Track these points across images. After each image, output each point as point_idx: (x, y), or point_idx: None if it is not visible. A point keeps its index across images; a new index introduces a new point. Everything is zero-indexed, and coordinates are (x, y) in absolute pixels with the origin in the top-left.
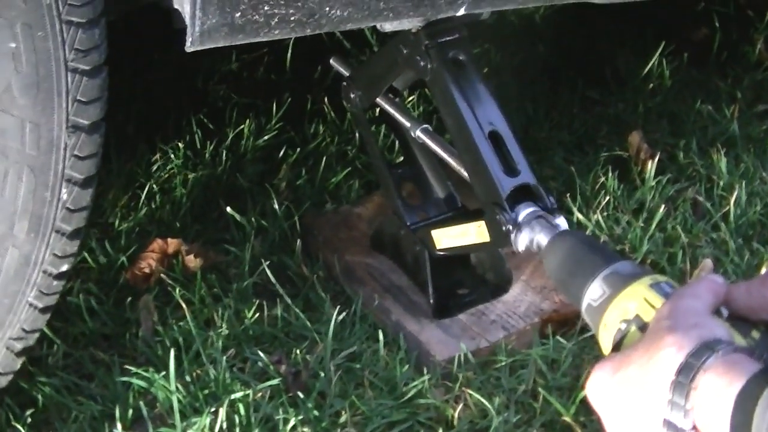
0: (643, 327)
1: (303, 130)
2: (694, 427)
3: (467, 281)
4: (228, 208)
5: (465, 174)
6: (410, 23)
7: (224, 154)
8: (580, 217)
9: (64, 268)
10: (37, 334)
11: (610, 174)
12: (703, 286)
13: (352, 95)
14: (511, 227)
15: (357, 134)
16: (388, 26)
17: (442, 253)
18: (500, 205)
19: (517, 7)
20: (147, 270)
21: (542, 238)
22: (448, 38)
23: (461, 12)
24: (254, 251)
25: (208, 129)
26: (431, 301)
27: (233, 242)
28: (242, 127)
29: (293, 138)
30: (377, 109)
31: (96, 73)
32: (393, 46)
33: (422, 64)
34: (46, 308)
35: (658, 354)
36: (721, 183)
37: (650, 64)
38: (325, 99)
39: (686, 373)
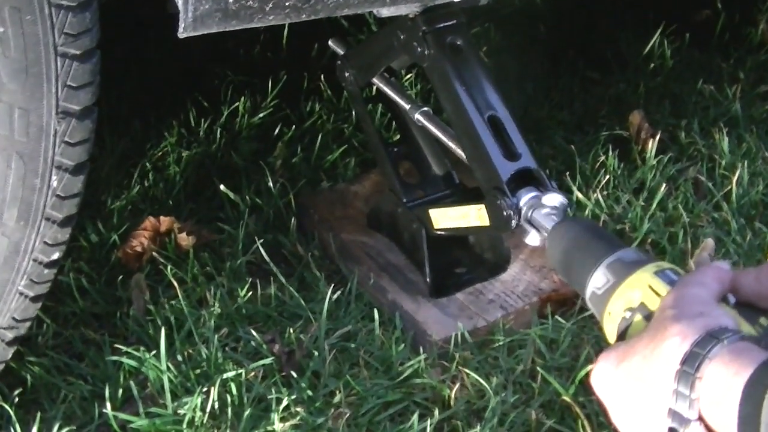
0: (648, 316)
1: (299, 108)
2: (700, 418)
3: (465, 260)
4: (222, 186)
5: (465, 159)
6: (407, 9)
7: (219, 132)
8: (580, 196)
9: (55, 256)
10: (28, 323)
11: (610, 153)
12: (708, 273)
13: (346, 74)
14: (512, 212)
15: (353, 112)
16: (385, 11)
17: (439, 232)
18: (501, 189)
19: None
20: (139, 249)
21: (545, 226)
22: (445, 24)
23: None
24: (248, 229)
25: (202, 107)
26: (428, 279)
27: (227, 220)
28: (237, 104)
29: (289, 116)
30: (374, 89)
31: (87, 57)
32: (390, 30)
33: (419, 50)
34: (37, 297)
35: (663, 344)
36: (723, 163)
37: (651, 45)
38: (322, 77)
39: (691, 362)
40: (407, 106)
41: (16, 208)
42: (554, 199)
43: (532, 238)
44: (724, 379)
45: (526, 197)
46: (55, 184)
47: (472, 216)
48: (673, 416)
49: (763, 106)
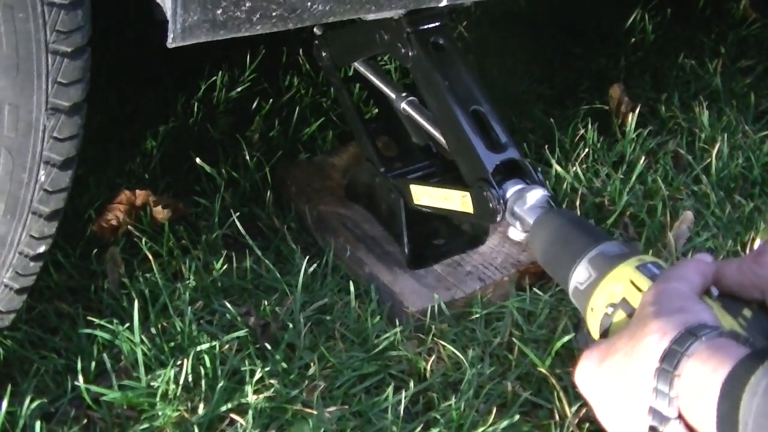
0: (629, 311)
1: (277, 82)
2: (680, 415)
3: (443, 231)
4: (198, 160)
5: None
6: (392, 12)
7: (196, 106)
8: (559, 169)
9: (41, 249)
10: (13, 315)
11: (590, 127)
12: (690, 267)
13: (323, 53)
14: (498, 204)
15: (331, 87)
16: (370, 15)
17: (418, 207)
18: (487, 180)
19: None
20: (114, 222)
21: (529, 219)
22: (429, 26)
23: (443, 3)
24: (225, 203)
25: (179, 80)
26: (406, 250)
27: (203, 194)
28: (215, 78)
29: (267, 90)
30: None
31: (78, 54)
32: (373, 27)
33: (403, 51)
34: (22, 289)
35: (642, 341)
36: (703, 136)
37: (632, 19)
38: (300, 51)
39: (670, 360)
40: (393, 95)
41: (3, 202)
42: (539, 192)
43: (515, 233)
44: (702, 376)
45: (512, 189)
46: (42, 178)
47: (455, 201)
48: (653, 414)
49: (743, 81)
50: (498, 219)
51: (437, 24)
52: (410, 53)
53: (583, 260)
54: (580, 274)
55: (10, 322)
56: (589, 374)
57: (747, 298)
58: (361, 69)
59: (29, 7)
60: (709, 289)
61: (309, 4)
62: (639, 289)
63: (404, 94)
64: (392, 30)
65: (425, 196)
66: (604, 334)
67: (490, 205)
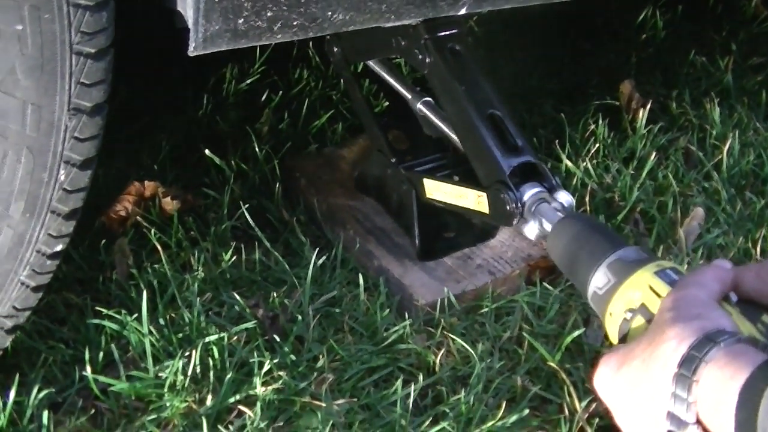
0: (648, 317)
1: (287, 74)
2: (698, 421)
3: (453, 224)
4: (207, 151)
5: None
6: (410, 20)
7: (205, 98)
8: (569, 164)
9: (59, 248)
10: (28, 312)
11: (600, 122)
12: (708, 274)
13: (335, 49)
14: (515, 206)
15: (341, 80)
16: (388, 24)
17: (430, 201)
18: (505, 183)
19: (519, 6)
20: (123, 213)
21: (547, 222)
22: (446, 32)
23: (462, 12)
24: (234, 195)
25: (189, 72)
26: (416, 242)
27: (212, 186)
28: (224, 71)
29: (276, 82)
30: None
31: (101, 56)
32: (390, 32)
33: (420, 57)
34: (39, 287)
35: (661, 347)
36: (714, 133)
37: (643, 15)
38: (310, 44)
39: (688, 365)
40: (408, 96)
41: (23, 201)
42: (560, 197)
43: (530, 231)
44: (720, 382)
45: (529, 193)
46: (62, 178)
47: (470, 200)
48: (671, 419)
49: (755, 78)
50: (514, 222)
51: (454, 31)
52: (427, 59)
53: (602, 265)
54: (598, 279)
55: (26, 320)
56: (608, 379)
57: (766, 303)
58: (376, 68)
59: (55, 8)
60: (728, 296)
61: (329, 13)
62: (658, 295)
63: (420, 95)
64: (409, 36)
65: (438, 191)
66: (623, 339)
67: (507, 207)
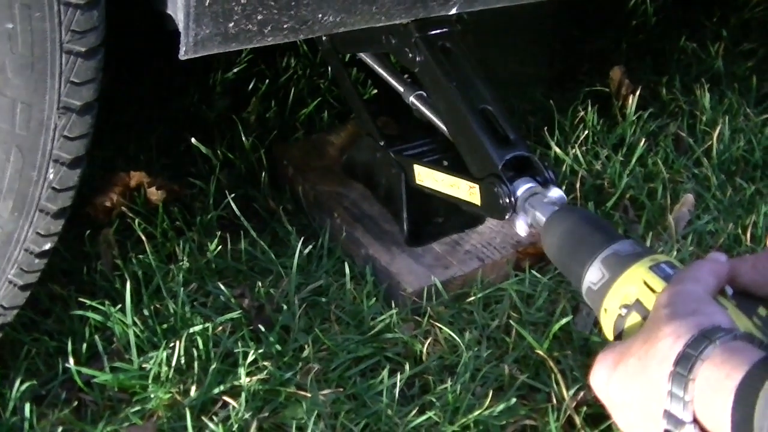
0: (644, 313)
1: (274, 63)
2: (695, 419)
3: (442, 209)
4: (193, 140)
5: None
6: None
7: (192, 88)
8: (558, 151)
9: (47, 246)
10: (15, 311)
11: (589, 109)
12: (704, 268)
13: (324, 38)
14: (508, 200)
15: (329, 68)
16: (379, 24)
17: (420, 187)
18: (498, 176)
19: (510, 5)
20: (109, 204)
21: (541, 216)
22: (437, 31)
23: (453, 11)
24: (220, 184)
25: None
26: (405, 227)
27: (198, 176)
28: (211, 59)
29: (264, 71)
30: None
31: (91, 54)
32: (380, 32)
33: (411, 56)
34: (26, 286)
35: (657, 345)
36: (704, 119)
37: (634, 1)
38: None
39: (684, 364)
40: (401, 89)
41: (12, 200)
42: (552, 191)
43: (521, 225)
44: (716, 381)
45: (523, 187)
46: (51, 176)
47: (462, 190)
48: (668, 418)
49: (745, 64)
50: (507, 216)
51: (445, 29)
52: (418, 58)
53: (596, 260)
54: (593, 275)
55: (12, 318)
56: (605, 378)
57: (762, 295)
58: (368, 60)
59: (46, 7)
60: (724, 289)
61: (320, 15)
62: (653, 291)
63: (412, 87)
64: (400, 34)
65: (430, 178)
66: (619, 335)
67: (500, 201)
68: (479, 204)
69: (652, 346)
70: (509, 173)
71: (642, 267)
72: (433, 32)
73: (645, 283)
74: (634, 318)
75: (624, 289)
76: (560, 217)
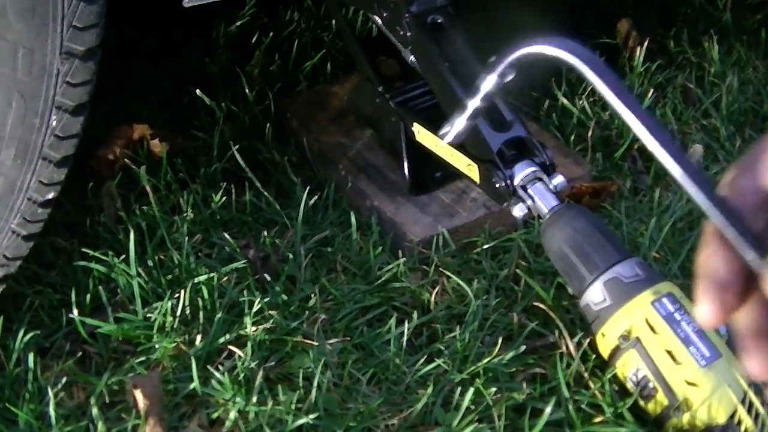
0: (641, 350)
1: (278, 16)
2: None
3: None
4: (198, 91)
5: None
6: None
7: (195, 41)
8: (566, 102)
9: (50, 195)
10: (19, 262)
11: None
12: None
13: None
14: (505, 186)
15: (333, 21)
16: None
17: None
18: (493, 162)
19: None
20: (111, 157)
21: (541, 206)
22: (428, 6)
23: None
24: (224, 136)
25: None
26: (407, 175)
27: (202, 128)
28: (214, 12)
29: (267, 25)
30: None
31: None
32: (373, 3)
33: (402, 33)
34: (30, 236)
35: None
36: (713, 71)
37: None
38: None
39: None
40: (401, 47)
41: (14, 147)
42: (555, 180)
43: (518, 211)
44: None
45: (522, 172)
46: (54, 123)
47: (461, 164)
48: None
49: (754, 17)
50: (504, 204)
51: (436, 5)
52: (408, 34)
53: (599, 280)
54: (594, 294)
55: (16, 270)
56: None
57: None
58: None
59: None
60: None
61: None
62: (654, 331)
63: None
64: (391, 11)
65: (428, 140)
66: (612, 361)
67: (498, 186)
68: (477, 182)
69: None
70: (509, 155)
71: (645, 301)
72: (423, 8)
73: (647, 321)
74: (632, 354)
75: (624, 321)
76: (563, 219)
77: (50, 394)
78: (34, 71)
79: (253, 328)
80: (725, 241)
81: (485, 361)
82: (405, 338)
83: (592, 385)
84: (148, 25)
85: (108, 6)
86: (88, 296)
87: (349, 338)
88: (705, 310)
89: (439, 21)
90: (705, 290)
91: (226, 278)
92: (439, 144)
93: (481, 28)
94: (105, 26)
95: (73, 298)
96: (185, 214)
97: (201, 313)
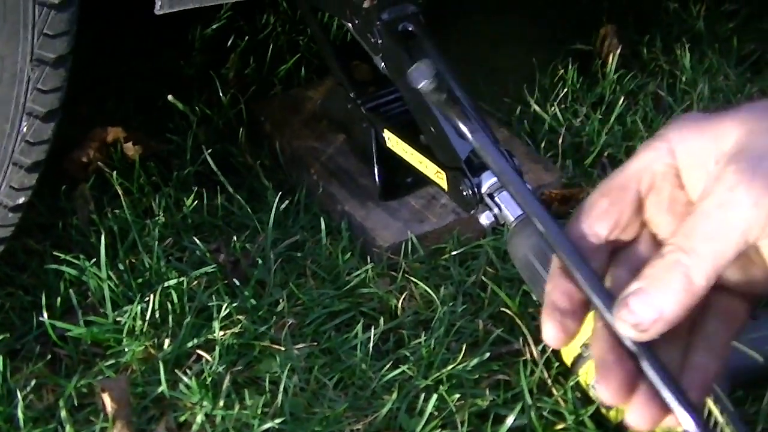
0: None
1: (254, 19)
2: None
3: None
4: (170, 96)
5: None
6: None
7: (170, 44)
8: (537, 109)
9: (21, 200)
10: None
11: (570, 67)
12: None
13: None
14: (472, 194)
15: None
16: None
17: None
18: (461, 169)
19: None
20: (85, 159)
21: (508, 215)
22: (399, 14)
23: None
24: (197, 140)
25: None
26: (377, 180)
27: (176, 131)
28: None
29: (243, 28)
30: None
31: (65, 6)
32: (345, 10)
33: (372, 41)
34: (1, 240)
35: None
36: (684, 78)
37: None
38: None
39: None
40: (374, 55)
41: None
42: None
43: (485, 219)
44: None
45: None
46: (24, 129)
47: (430, 171)
48: None
49: (727, 24)
50: (471, 211)
51: (407, 12)
52: (379, 42)
53: None
54: None
55: None
56: None
57: None
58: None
59: None
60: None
61: None
62: None
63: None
64: (362, 18)
65: (398, 147)
66: (575, 369)
67: (465, 194)
68: (446, 189)
69: None
70: (478, 162)
71: None
72: (394, 15)
73: None
74: (592, 362)
75: (587, 329)
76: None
77: (19, 396)
78: (4, 78)
79: (222, 333)
80: (568, 273)
81: (450, 367)
82: (372, 344)
83: (555, 392)
84: (122, 28)
85: (81, 11)
86: (59, 299)
87: (316, 343)
88: (549, 332)
89: (410, 29)
90: (548, 315)
91: (196, 282)
92: (409, 150)
93: (458, 36)
94: (76, 33)
95: (44, 301)
96: (157, 218)
97: (170, 317)
